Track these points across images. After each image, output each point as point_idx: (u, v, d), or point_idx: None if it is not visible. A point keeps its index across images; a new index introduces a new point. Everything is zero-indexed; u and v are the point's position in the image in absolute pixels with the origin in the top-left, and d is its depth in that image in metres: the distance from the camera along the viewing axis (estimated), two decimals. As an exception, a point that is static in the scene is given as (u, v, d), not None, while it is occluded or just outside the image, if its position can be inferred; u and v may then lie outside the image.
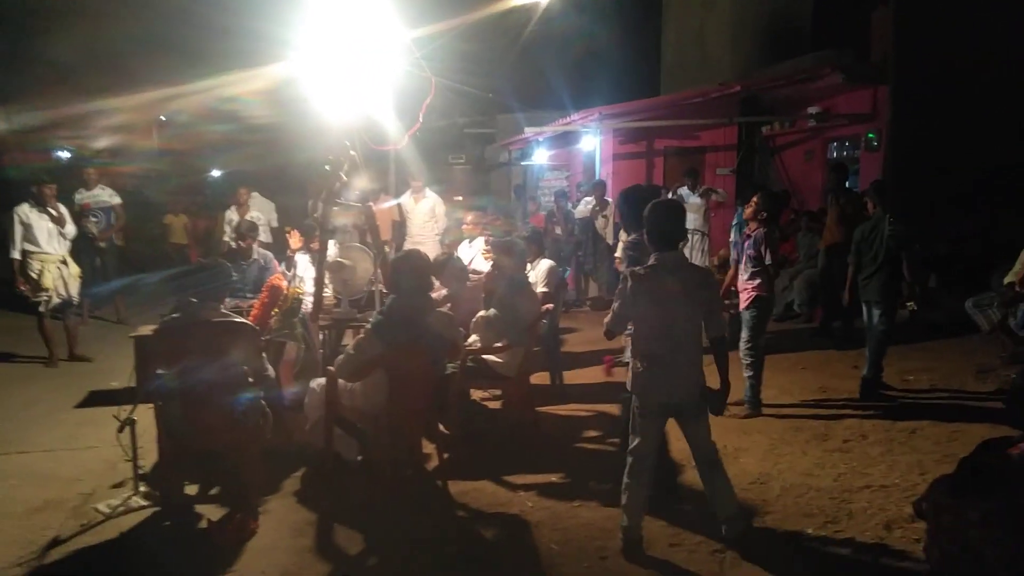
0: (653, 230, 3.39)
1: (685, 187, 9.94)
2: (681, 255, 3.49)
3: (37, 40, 12.06)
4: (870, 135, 9.56)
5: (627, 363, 3.77)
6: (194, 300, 3.92)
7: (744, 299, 5.39)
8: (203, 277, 3.93)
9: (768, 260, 5.34)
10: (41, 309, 6.96)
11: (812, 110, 10.47)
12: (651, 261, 3.39)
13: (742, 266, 5.43)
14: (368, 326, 4.15)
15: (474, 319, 5.17)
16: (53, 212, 7.02)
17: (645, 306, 3.30)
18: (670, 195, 9.80)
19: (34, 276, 6.92)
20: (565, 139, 13.30)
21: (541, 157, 14.53)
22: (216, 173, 18.69)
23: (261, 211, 9.76)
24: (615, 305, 3.40)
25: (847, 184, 7.78)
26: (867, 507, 3.88)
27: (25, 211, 6.94)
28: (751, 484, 4.21)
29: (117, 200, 8.87)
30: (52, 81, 12.30)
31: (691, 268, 3.55)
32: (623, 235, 6.89)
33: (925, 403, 5.64)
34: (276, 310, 5.22)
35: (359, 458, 4.22)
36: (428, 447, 4.65)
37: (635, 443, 3.43)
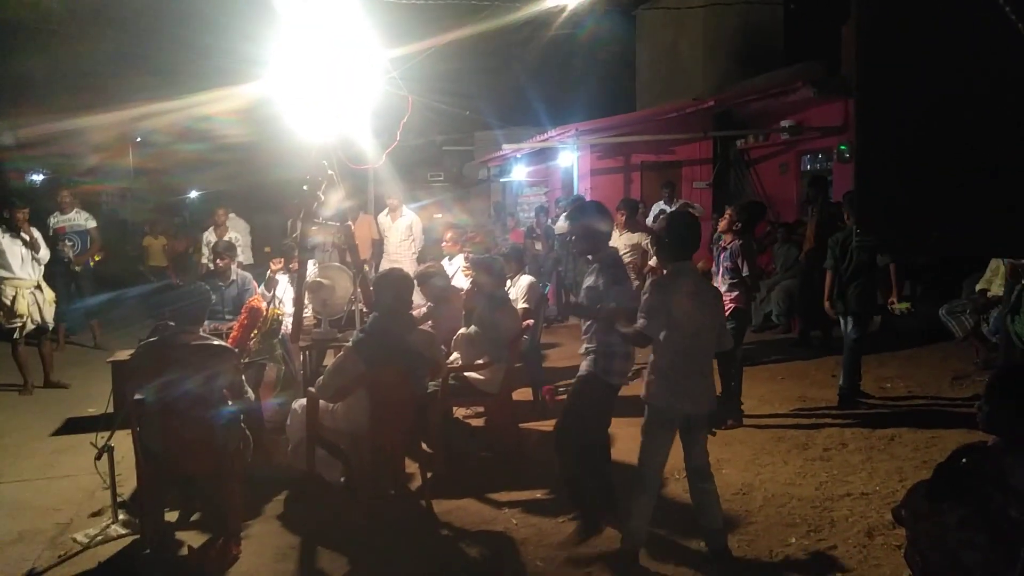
0: (673, 240, 3.39)
1: (662, 201, 10.04)
2: (694, 266, 3.53)
3: (11, 60, 11.93)
4: (842, 147, 9.74)
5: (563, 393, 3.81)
6: (172, 323, 3.89)
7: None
8: (181, 300, 3.90)
9: (745, 271, 5.41)
10: (15, 336, 6.84)
11: (785, 123, 10.66)
12: (669, 271, 3.44)
13: (719, 278, 5.50)
14: (348, 344, 4.14)
15: (455, 336, 5.17)
16: (26, 237, 6.92)
17: (674, 314, 3.25)
18: (652, 211, 9.93)
19: (7, 302, 6.80)
20: (543, 155, 13.40)
21: (519, 173, 14.63)
22: (194, 194, 18.59)
23: (237, 231, 9.71)
24: (646, 310, 3.28)
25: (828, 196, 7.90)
26: (849, 515, 3.92)
27: (-4, 235, 6.84)
28: (734, 495, 4.23)
29: (93, 224, 8.76)
30: (27, 101, 12.18)
31: (704, 280, 3.65)
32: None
33: (903, 410, 5.72)
34: (256, 332, 5.19)
35: (342, 479, 4.19)
36: (411, 466, 4.63)
37: (649, 456, 3.38)
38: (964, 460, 2.67)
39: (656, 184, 11.30)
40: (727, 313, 5.37)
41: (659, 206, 10.04)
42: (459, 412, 5.73)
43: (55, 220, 8.53)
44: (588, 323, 3.76)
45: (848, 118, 9.69)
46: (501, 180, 15.90)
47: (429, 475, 4.33)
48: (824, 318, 6.71)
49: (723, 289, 5.41)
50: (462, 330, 5.15)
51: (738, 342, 5.41)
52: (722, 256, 5.50)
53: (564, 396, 5.62)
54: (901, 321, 8.09)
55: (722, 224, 5.71)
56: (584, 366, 3.76)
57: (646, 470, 3.39)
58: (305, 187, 5.60)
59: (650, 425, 3.38)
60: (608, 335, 3.61)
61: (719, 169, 12.19)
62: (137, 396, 3.87)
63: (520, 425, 5.34)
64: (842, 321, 5.87)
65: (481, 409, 5.68)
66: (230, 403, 3.87)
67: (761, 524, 3.88)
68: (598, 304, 3.65)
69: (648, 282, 3.39)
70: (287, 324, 5.40)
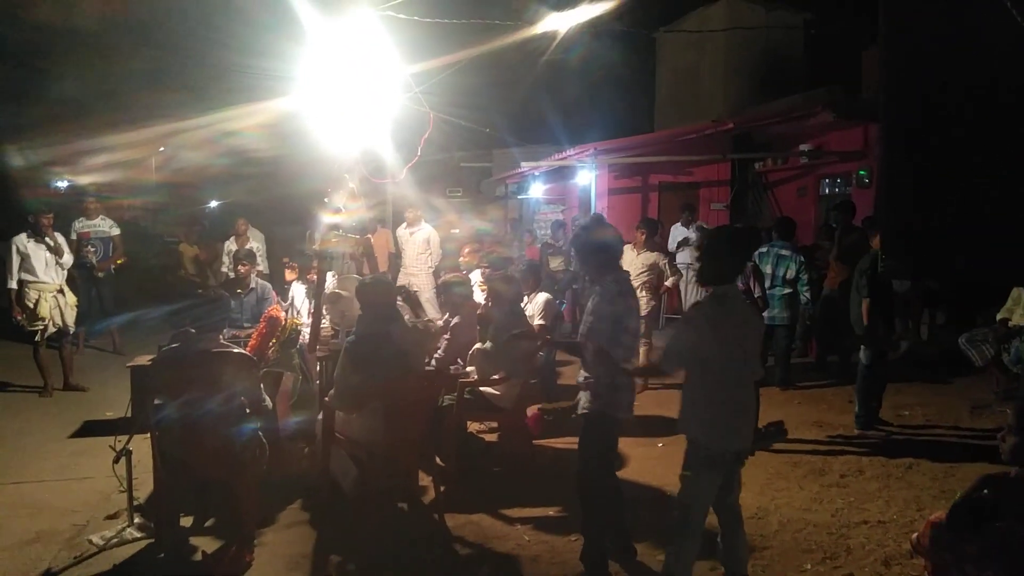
0: (714, 260, 3.08)
1: (680, 223, 10.07)
2: (737, 289, 3.26)
3: (44, 77, 12.24)
4: (861, 172, 9.72)
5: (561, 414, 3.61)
6: (192, 331, 3.94)
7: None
8: (202, 307, 3.96)
9: (757, 293, 5.39)
10: (37, 339, 6.94)
11: (804, 147, 10.64)
12: (710, 295, 3.09)
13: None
14: (342, 351, 4.21)
15: (471, 351, 5.19)
16: (50, 242, 7.03)
17: (725, 343, 2.96)
18: (672, 234, 9.94)
19: (30, 305, 6.91)
20: (561, 174, 13.46)
21: (537, 191, 14.68)
22: (214, 204, 18.81)
23: (256, 242, 9.81)
24: (678, 339, 3.04)
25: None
26: (865, 543, 3.87)
27: (23, 241, 6.95)
28: (749, 518, 4.18)
29: (116, 231, 8.88)
30: (58, 117, 12.45)
31: (748, 305, 3.33)
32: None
33: (921, 439, 5.66)
34: (274, 341, 5.23)
35: (355, 489, 4.20)
36: (425, 479, 4.63)
37: (696, 499, 3.05)
38: (985, 491, 2.65)
39: (673, 205, 11.32)
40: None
41: (678, 228, 10.04)
42: (472, 426, 5.74)
43: (80, 225, 8.65)
44: (585, 350, 3.45)
45: (868, 143, 9.67)
46: (519, 197, 15.96)
47: (442, 488, 4.33)
48: (844, 343, 6.67)
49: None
50: (477, 345, 5.16)
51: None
52: None
53: (550, 419, 5.60)
54: (921, 350, 8.03)
55: None
56: (587, 402, 3.47)
57: (692, 515, 3.06)
58: (326, 200, 5.68)
59: (697, 465, 3.03)
60: (614, 365, 3.34)
61: (737, 191, 12.18)
62: (156, 401, 3.92)
63: (534, 441, 5.33)
64: (862, 349, 5.83)
65: (495, 424, 5.68)
66: (247, 411, 3.90)
67: (776, 549, 3.85)
68: (600, 329, 3.37)
69: (689, 308, 3.18)
70: (305, 334, 5.44)
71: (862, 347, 5.72)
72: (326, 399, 4.31)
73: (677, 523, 3.10)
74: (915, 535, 2.95)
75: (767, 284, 6.62)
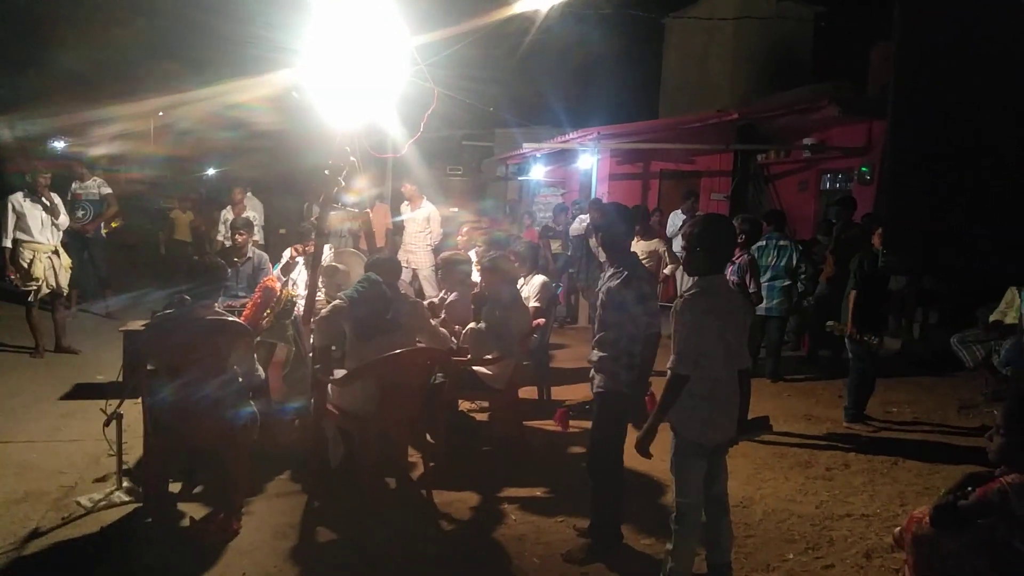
0: (704, 249, 3.07)
1: (681, 210, 10.04)
2: (725, 278, 3.27)
3: (46, 47, 12.14)
4: (863, 168, 9.70)
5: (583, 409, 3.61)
6: (188, 298, 3.93)
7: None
8: (198, 274, 3.95)
9: (752, 288, 5.39)
10: (30, 299, 6.92)
11: (807, 141, 10.61)
12: (696, 285, 3.09)
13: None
14: (343, 295, 4.23)
15: (464, 331, 5.19)
16: (47, 202, 6.99)
17: (709, 335, 2.98)
18: (671, 220, 9.92)
19: (24, 265, 6.88)
20: (562, 156, 13.41)
21: (537, 173, 14.63)
22: (211, 172, 18.69)
23: (254, 211, 9.77)
24: (682, 340, 3.01)
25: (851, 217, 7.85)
26: (848, 535, 3.91)
27: (19, 199, 6.91)
28: (734, 507, 4.18)
29: (107, 190, 8.82)
30: (60, 88, 12.37)
31: (734, 292, 3.35)
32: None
33: (908, 436, 5.70)
34: (268, 311, 5.22)
35: (342, 462, 4.22)
36: (414, 456, 4.65)
37: (689, 490, 3.08)
38: (970, 488, 2.67)
39: (674, 192, 11.29)
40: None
41: (678, 215, 10.01)
42: (464, 405, 5.76)
43: (75, 187, 8.62)
44: (600, 330, 3.53)
45: (871, 140, 9.65)
46: (519, 178, 15.91)
47: (431, 464, 4.35)
48: (835, 338, 6.69)
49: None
50: (471, 324, 5.16)
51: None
52: (729, 270, 5.46)
53: (574, 415, 5.56)
54: (913, 348, 8.07)
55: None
56: (601, 382, 3.53)
57: (688, 507, 3.09)
58: (326, 172, 5.64)
59: (683, 457, 3.08)
60: (631, 344, 3.43)
61: (738, 182, 12.16)
62: (149, 367, 3.93)
63: (524, 423, 5.35)
64: (847, 342, 5.85)
65: (486, 404, 5.69)
66: (240, 380, 3.91)
67: (759, 538, 3.88)
68: (620, 310, 3.44)
69: (676, 304, 3.07)
70: (300, 306, 5.43)
71: (847, 341, 5.74)
72: (317, 368, 4.31)
73: (676, 519, 3.12)
74: (897, 529, 2.98)
75: (768, 276, 6.62)
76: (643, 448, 3.10)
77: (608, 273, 3.61)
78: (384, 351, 3.98)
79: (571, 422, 5.54)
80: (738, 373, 3.15)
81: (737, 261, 5.45)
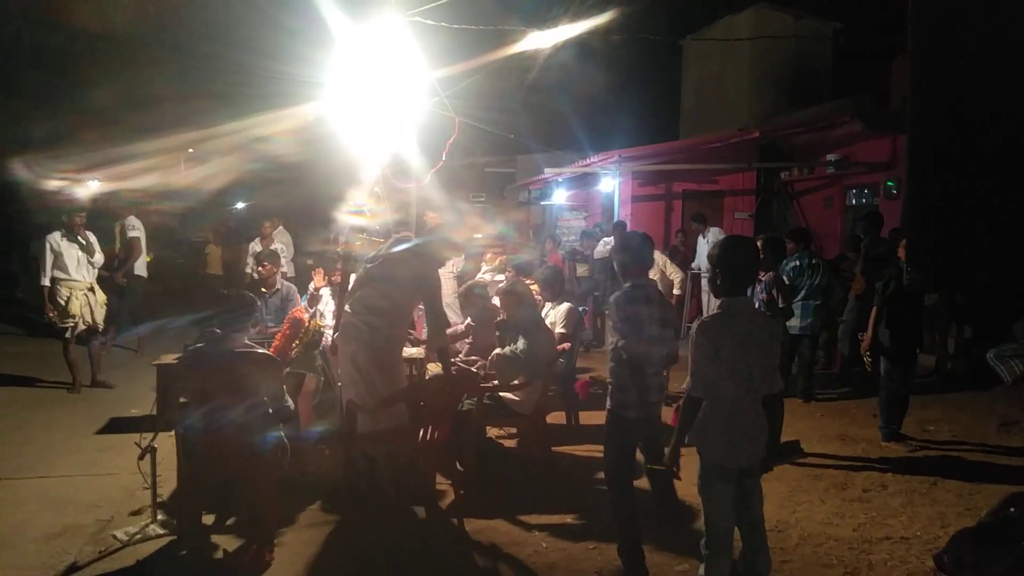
0: (725, 273, 3.06)
1: (700, 235, 10.11)
2: (750, 301, 3.31)
3: (80, 88, 12.57)
4: (889, 183, 9.60)
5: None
6: (218, 331, 4.00)
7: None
8: (228, 307, 4.02)
9: (781, 304, 5.35)
10: (67, 335, 7.08)
11: (831, 157, 10.54)
12: (719, 308, 3.09)
13: (755, 310, 5.42)
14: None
15: (491, 356, 5.20)
16: (82, 240, 7.18)
17: (726, 358, 2.98)
18: (699, 247, 9.92)
19: (62, 302, 7.06)
20: (584, 180, 13.45)
21: (560, 197, 14.68)
22: (240, 205, 19.07)
23: (283, 243, 9.92)
24: (695, 363, 3.02)
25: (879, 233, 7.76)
26: (888, 559, 3.82)
27: (56, 239, 7.10)
28: (769, 531, 4.10)
29: (133, 234, 8.94)
30: (91, 124, 12.77)
31: (760, 315, 3.39)
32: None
33: (946, 455, 5.57)
34: (297, 342, 5.29)
35: (371, 491, 4.23)
36: (443, 483, 4.65)
37: (717, 513, 3.07)
38: (1012, 509, 2.60)
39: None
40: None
41: (702, 240, 10.03)
42: (492, 432, 5.75)
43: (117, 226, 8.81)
44: (613, 357, 3.60)
45: (897, 154, 9.55)
46: (541, 203, 15.97)
47: (460, 492, 4.34)
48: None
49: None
50: (497, 350, 5.18)
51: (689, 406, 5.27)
52: (757, 288, 5.43)
53: (600, 392, 5.49)
54: (949, 364, 7.90)
55: None
56: (608, 400, 3.72)
57: (717, 530, 3.06)
58: (352, 204, 5.76)
59: (709, 479, 3.07)
60: (619, 367, 3.54)
61: (762, 201, 12.10)
62: (181, 400, 3.99)
63: (553, 448, 5.33)
64: (882, 360, 5.76)
65: (514, 430, 5.68)
66: (270, 411, 3.95)
67: (797, 563, 3.81)
68: (622, 327, 3.56)
69: (695, 326, 3.09)
70: (328, 336, 5.49)
71: (880, 358, 5.66)
72: (351, 401, 4.34)
73: (707, 544, 3.10)
74: (938, 552, 2.91)
75: (801, 295, 6.55)
76: (669, 466, 3.15)
77: (619, 291, 3.70)
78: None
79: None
80: (771, 397, 3.12)
81: (764, 279, 5.42)
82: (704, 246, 9.97)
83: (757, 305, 5.39)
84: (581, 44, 11.37)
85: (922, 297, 5.70)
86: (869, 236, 7.60)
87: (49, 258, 7.05)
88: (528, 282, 6.16)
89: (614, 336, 3.60)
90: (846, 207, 11.15)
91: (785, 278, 5.93)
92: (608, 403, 3.67)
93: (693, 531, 4.07)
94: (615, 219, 10.91)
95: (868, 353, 5.94)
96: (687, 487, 3.51)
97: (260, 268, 6.38)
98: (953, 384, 7.37)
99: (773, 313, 5.29)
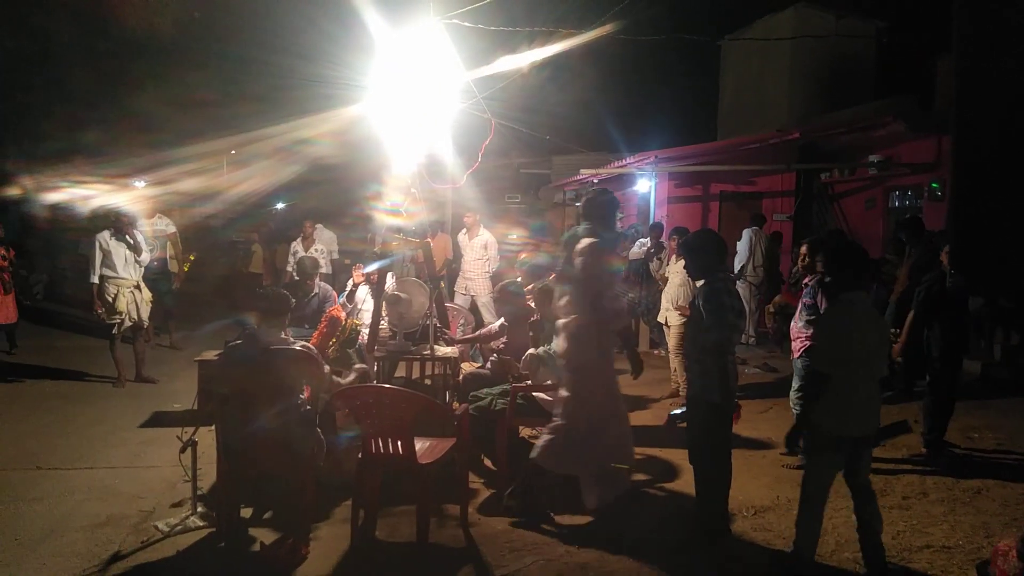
0: (844, 271, 3.56)
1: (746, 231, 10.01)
2: (865, 296, 3.66)
3: (128, 91, 12.96)
4: (934, 184, 9.37)
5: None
6: (255, 328, 4.08)
7: (797, 347, 5.28)
8: (266, 303, 4.10)
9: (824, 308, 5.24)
10: (114, 331, 7.30)
11: (873, 158, 10.33)
12: (840, 300, 3.56)
13: (797, 313, 5.35)
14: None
15: (524, 356, 5.21)
16: (130, 240, 7.40)
17: (852, 341, 3.40)
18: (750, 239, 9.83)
19: (109, 300, 7.28)
20: (620, 181, 13.39)
21: (595, 198, 14.62)
22: (280, 206, 19.41)
23: (324, 243, 10.09)
24: (824, 345, 3.54)
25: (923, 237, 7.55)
26: (929, 568, 3.74)
27: (105, 238, 7.33)
28: (804, 537, 4.09)
29: (172, 229, 9.25)
30: (138, 129, 13.17)
31: (872, 308, 3.72)
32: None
33: (991, 463, 5.41)
34: (334, 340, 5.37)
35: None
36: (476, 482, 4.67)
37: (813, 478, 3.55)
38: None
39: (735, 214, 11.13)
40: (802, 351, 5.21)
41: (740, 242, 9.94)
42: (524, 432, 5.76)
43: (145, 225, 9.06)
44: (693, 344, 4.01)
45: (941, 155, 9.33)
46: (576, 204, 15.94)
47: (492, 492, 4.36)
48: (910, 360, 6.44)
49: (799, 326, 5.26)
50: (531, 350, 5.19)
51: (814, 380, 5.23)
52: (801, 292, 5.35)
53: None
54: (995, 370, 7.68)
55: (800, 263, 5.60)
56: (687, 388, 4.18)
57: (811, 490, 3.54)
58: (383, 199, 5.83)
59: (819, 448, 3.53)
60: (705, 356, 3.87)
61: (801, 202, 11.90)
62: (221, 395, 4.09)
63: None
64: (928, 366, 5.62)
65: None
66: (308, 408, 4.03)
67: (834, 570, 3.74)
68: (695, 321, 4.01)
69: (820, 317, 3.57)
70: (364, 334, 5.57)
71: (928, 364, 5.52)
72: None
73: (801, 502, 3.57)
74: (981, 562, 2.84)
75: None
76: (790, 445, 3.88)
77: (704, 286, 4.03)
78: None
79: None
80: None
81: (809, 283, 5.33)
82: (743, 246, 9.85)
83: (799, 307, 5.31)
84: (618, 45, 11.35)
85: (967, 302, 5.54)
86: (910, 245, 7.37)
87: (98, 256, 7.28)
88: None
89: (693, 327, 4.02)
90: (888, 209, 10.92)
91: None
92: (688, 391, 4.10)
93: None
94: (651, 220, 10.85)
95: (899, 358, 5.81)
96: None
97: (307, 283, 6.43)
98: (999, 390, 7.16)
99: (812, 317, 5.20)
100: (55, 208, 13.20)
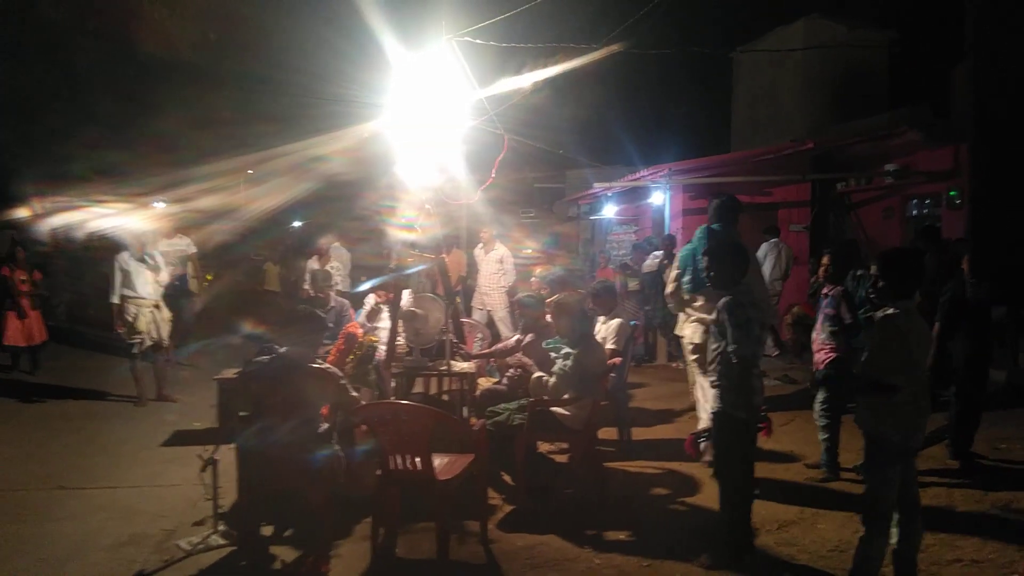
0: (895, 279, 3.46)
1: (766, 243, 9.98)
2: (914, 304, 3.57)
3: (149, 111, 13.19)
4: (952, 192, 9.29)
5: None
6: (278, 347, 4.11)
7: (821, 359, 5.22)
8: (290, 324, 4.13)
9: (848, 319, 5.18)
10: (135, 351, 7.37)
11: (890, 167, 10.26)
12: (896, 309, 3.43)
13: (819, 324, 5.30)
14: None
15: (530, 381, 5.20)
16: (149, 260, 7.49)
17: (912, 350, 3.35)
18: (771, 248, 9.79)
19: (130, 319, 7.36)
20: (633, 194, 13.39)
21: (610, 211, 14.64)
22: (297, 224, 19.57)
23: (339, 261, 10.15)
24: (888, 355, 3.35)
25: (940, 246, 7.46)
26: (958, 582, 3.67)
27: (125, 258, 7.42)
28: (830, 552, 4.04)
29: (192, 249, 9.39)
30: (157, 149, 13.39)
31: (920, 317, 3.65)
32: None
33: (1020, 474, 5.31)
34: (351, 356, 5.39)
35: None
36: (495, 498, 4.66)
37: (881, 492, 3.39)
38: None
39: (750, 226, 11.04)
40: (826, 363, 5.15)
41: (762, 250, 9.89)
42: (543, 447, 5.74)
43: (163, 244, 9.19)
44: (715, 356, 3.90)
45: (959, 162, 9.24)
46: (591, 217, 15.95)
47: (512, 508, 4.34)
48: (935, 371, 6.34)
49: (822, 337, 5.20)
50: (536, 375, 5.19)
51: (837, 392, 5.18)
52: (824, 302, 5.29)
53: (703, 442, 5.49)
54: (1019, 378, 7.55)
55: (821, 273, 5.54)
56: (714, 402, 3.97)
57: (883, 507, 3.38)
58: (405, 218, 5.87)
59: (884, 462, 3.38)
60: (729, 369, 3.78)
61: (817, 212, 11.83)
62: (241, 414, 4.11)
63: (604, 464, 5.29)
64: (954, 376, 5.53)
65: (565, 445, 5.65)
66: (326, 426, 4.04)
67: (860, 585, 3.68)
68: (720, 334, 3.85)
69: (878, 324, 3.42)
70: (381, 351, 5.58)
71: (949, 374, 5.44)
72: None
73: (868, 520, 3.40)
74: (1013, 576, 2.78)
75: (864, 308, 6.37)
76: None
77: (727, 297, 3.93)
78: None
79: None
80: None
81: (831, 294, 5.27)
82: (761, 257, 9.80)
83: (821, 318, 5.24)
84: (630, 59, 11.38)
85: (989, 311, 5.46)
86: (935, 249, 7.29)
87: (119, 277, 7.37)
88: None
89: (718, 341, 3.85)
90: (906, 218, 10.82)
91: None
92: (715, 405, 3.91)
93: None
94: (666, 233, 10.82)
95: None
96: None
97: (320, 295, 6.52)
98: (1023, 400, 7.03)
99: (839, 329, 5.13)
100: (76, 229, 13.41)
